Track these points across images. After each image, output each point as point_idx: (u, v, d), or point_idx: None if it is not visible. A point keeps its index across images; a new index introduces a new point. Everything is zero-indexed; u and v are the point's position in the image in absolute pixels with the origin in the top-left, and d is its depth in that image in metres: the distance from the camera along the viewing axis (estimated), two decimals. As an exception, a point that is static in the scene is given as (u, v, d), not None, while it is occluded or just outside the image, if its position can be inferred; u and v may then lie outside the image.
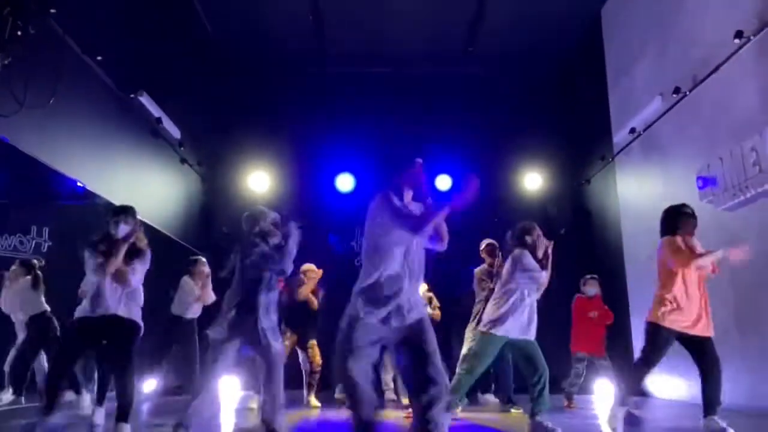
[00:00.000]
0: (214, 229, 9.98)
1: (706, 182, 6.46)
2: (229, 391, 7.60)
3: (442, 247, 3.44)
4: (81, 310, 4.22)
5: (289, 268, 4.37)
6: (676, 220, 4.80)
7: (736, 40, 5.89)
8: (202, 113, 9.72)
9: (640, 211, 8.51)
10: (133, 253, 4.35)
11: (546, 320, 7.12)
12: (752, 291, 5.95)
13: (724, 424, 4.27)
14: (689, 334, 4.50)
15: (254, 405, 6.04)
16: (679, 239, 4.69)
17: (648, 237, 8.14)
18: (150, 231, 7.76)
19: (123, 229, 4.34)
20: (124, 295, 4.26)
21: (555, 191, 10.23)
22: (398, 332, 3.10)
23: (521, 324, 4.76)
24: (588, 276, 7.33)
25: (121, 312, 4.21)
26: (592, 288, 7.17)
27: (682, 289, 4.57)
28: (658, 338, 4.54)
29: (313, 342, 6.93)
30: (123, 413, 4.08)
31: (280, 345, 4.34)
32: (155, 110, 7.61)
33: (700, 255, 4.58)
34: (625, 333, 8.61)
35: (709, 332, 4.54)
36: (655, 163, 8.02)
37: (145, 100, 7.29)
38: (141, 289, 4.52)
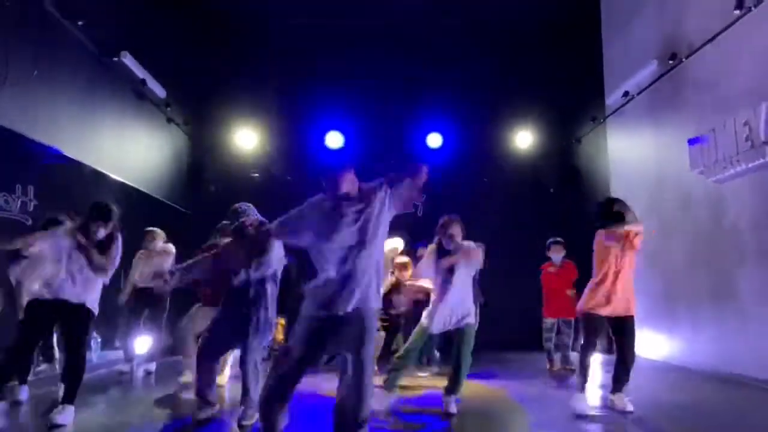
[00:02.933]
0: (202, 188, 9.88)
1: (695, 141, 6.49)
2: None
3: None
4: (35, 293, 4.24)
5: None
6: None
7: (737, 11, 5.78)
8: (187, 72, 9.43)
9: (629, 175, 8.57)
10: (106, 245, 4.30)
11: (530, 282, 7.34)
12: (732, 262, 6.10)
13: (627, 402, 4.42)
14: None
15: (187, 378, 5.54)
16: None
17: (637, 201, 8.24)
18: (137, 193, 7.71)
19: (101, 233, 4.29)
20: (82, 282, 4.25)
21: (545, 150, 10.20)
22: None
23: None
24: (551, 240, 7.22)
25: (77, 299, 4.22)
26: (556, 254, 7.11)
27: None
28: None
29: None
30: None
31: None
32: (139, 71, 7.37)
33: None
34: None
35: (624, 312, 4.60)
36: (647, 127, 8.01)
37: (128, 61, 7.04)
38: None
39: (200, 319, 5.35)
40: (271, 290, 4.31)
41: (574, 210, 9.73)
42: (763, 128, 5.56)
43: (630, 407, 4.42)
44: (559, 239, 7.22)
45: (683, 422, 4.27)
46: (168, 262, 6.31)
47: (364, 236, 2.96)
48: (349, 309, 2.87)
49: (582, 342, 4.87)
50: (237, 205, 4.40)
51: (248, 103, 9.97)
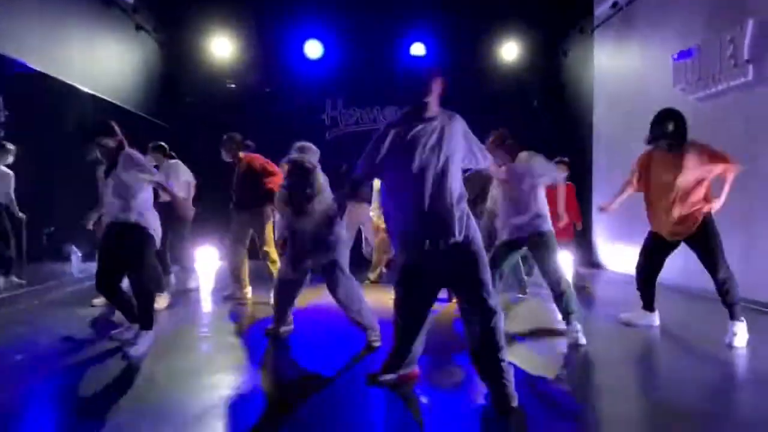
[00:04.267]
0: (177, 98, 9.60)
1: (683, 55, 6.34)
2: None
3: None
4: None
5: None
6: None
7: None
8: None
9: (613, 89, 8.43)
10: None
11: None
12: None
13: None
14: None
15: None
16: None
17: (619, 116, 8.19)
18: (110, 106, 7.48)
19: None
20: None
21: (532, 62, 9.92)
22: None
23: None
24: (557, 159, 6.95)
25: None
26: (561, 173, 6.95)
27: None
28: None
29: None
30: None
31: None
32: (104, -26, 6.93)
33: None
34: (587, 209, 8.95)
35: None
36: (634, 41, 7.78)
37: (90, -37, 6.60)
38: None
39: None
40: None
41: (559, 126, 9.65)
42: (747, 45, 5.43)
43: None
44: (564, 158, 6.96)
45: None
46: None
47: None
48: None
49: None
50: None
51: (223, 8, 9.47)
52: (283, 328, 4.39)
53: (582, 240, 8.73)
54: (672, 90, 6.63)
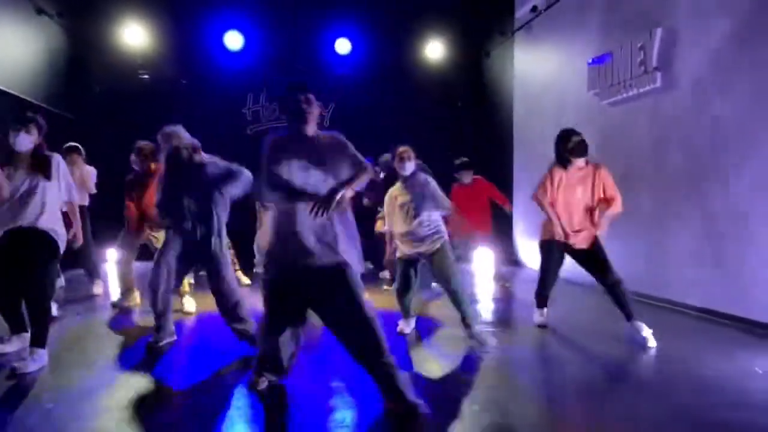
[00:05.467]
0: (83, 88, 8.97)
1: (596, 61, 6.56)
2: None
3: None
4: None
5: None
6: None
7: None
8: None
9: (532, 92, 8.61)
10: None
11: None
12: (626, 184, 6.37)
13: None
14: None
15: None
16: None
17: (538, 119, 8.38)
18: (8, 97, 6.86)
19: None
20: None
21: (455, 62, 10.01)
22: None
23: None
24: (458, 162, 6.98)
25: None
26: (465, 176, 6.91)
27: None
28: None
29: None
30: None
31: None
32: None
33: None
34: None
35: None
36: (552, 45, 7.98)
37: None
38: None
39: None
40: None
41: (481, 125, 9.80)
42: (656, 53, 5.66)
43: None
44: (465, 159, 6.98)
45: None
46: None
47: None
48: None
49: None
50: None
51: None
52: (166, 340, 4.12)
53: (503, 237, 8.92)
54: (586, 94, 6.83)
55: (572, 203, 4.46)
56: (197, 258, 4.04)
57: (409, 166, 4.36)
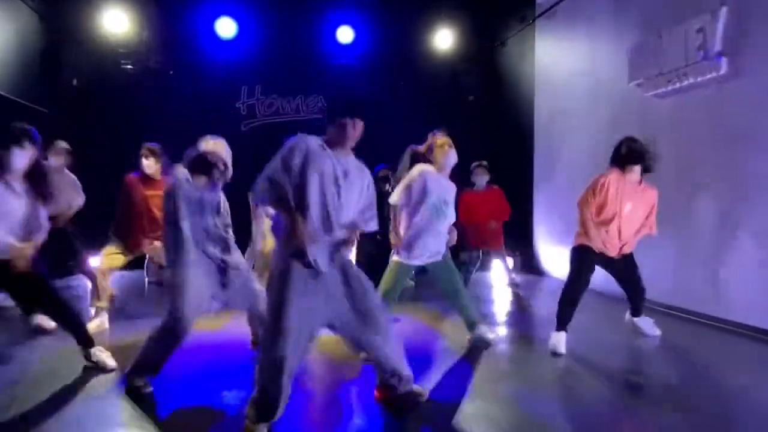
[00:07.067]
0: (60, 80, 8.09)
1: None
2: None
3: None
4: None
5: None
6: None
7: None
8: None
9: (557, 86, 7.82)
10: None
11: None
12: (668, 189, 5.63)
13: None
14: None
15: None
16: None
17: (563, 116, 7.60)
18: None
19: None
20: None
21: (467, 52, 9.20)
22: None
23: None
24: (476, 163, 6.47)
25: None
26: (480, 177, 6.39)
27: None
28: None
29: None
30: None
31: None
32: None
33: None
34: (527, 212, 8.37)
35: None
36: (581, 33, 7.19)
37: None
38: None
39: None
40: None
41: (495, 122, 9.00)
42: (720, 36, 4.89)
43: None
44: (483, 162, 6.45)
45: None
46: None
47: None
48: None
49: None
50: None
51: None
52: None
53: (523, 245, 8.16)
54: (627, 86, 6.06)
55: (622, 216, 4.15)
56: None
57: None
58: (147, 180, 4.91)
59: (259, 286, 3.61)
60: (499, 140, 8.73)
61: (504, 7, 8.81)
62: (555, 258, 7.79)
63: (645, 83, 5.79)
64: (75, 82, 8.17)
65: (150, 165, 4.88)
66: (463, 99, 9.36)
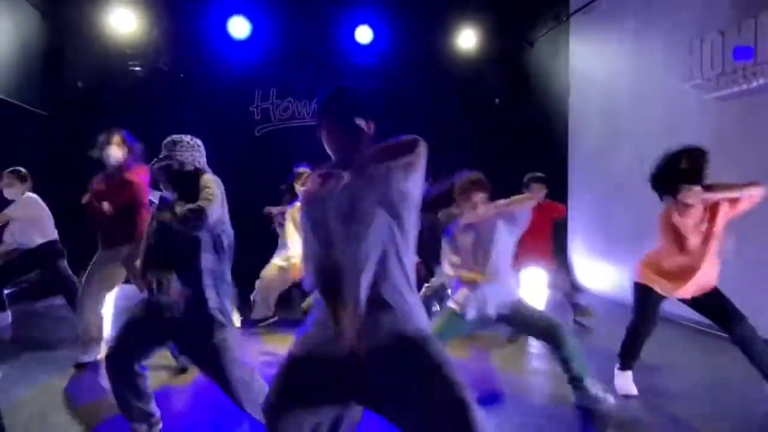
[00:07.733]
0: (64, 83, 7.66)
1: (740, 53, 5.02)
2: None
3: None
4: None
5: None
6: None
7: None
8: None
9: (595, 89, 7.29)
10: None
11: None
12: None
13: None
14: None
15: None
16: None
17: (601, 120, 7.06)
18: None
19: None
20: None
21: (492, 53, 8.67)
22: None
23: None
24: (530, 175, 5.65)
25: None
26: (538, 191, 5.55)
27: None
28: None
29: None
30: None
31: None
32: None
33: None
34: (563, 227, 7.82)
35: None
36: (623, 30, 6.66)
37: None
38: None
39: None
40: None
41: (524, 128, 8.46)
42: (799, 31, 4.34)
43: None
44: (541, 175, 5.61)
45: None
46: None
47: None
48: None
49: None
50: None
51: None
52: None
53: (558, 258, 7.62)
54: (681, 87, 5.51)
55: (689, 249, 3.48)
56: None
57: None
58: None
59: None
60: (529, 145, 8.19)
61: (532, 6, 8.30)
62: (592, 272, 7.24)
63: (704, 84, 5.25)
64: (80, 84, 7.74)
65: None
66: (488, 102, 8.84)
